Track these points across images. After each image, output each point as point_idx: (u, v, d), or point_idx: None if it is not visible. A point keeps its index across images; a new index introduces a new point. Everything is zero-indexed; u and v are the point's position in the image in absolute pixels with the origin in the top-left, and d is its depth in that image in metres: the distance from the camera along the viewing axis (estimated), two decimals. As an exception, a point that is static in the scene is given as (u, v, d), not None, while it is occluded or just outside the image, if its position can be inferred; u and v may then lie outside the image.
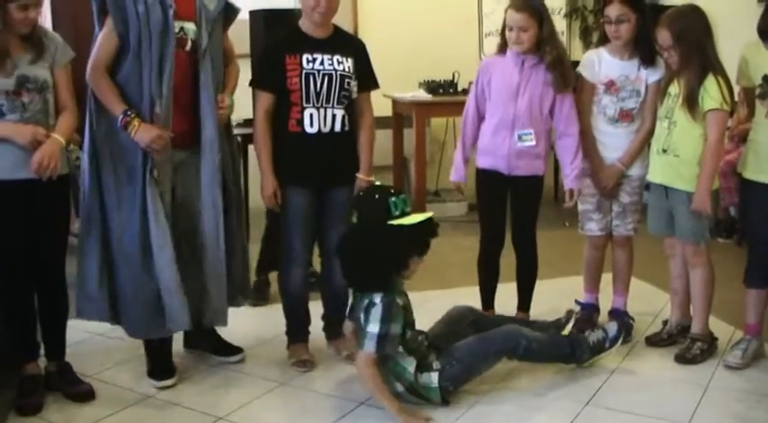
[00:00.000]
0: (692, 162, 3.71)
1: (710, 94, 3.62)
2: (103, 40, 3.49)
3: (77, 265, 3.62)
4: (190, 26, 3.57)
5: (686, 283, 4.00)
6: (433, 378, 3.43)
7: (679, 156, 3.74)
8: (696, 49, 3.65)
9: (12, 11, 3.27)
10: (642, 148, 4.02)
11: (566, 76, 3.91)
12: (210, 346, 3.98)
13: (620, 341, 3.80)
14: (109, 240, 3.57)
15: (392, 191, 3.52)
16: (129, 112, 3.44)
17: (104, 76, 3.48)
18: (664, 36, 3.71)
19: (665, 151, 3.79)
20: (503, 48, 4.01)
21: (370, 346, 3.34)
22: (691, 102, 3.65)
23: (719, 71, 3.65)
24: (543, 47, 3.88)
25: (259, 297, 4.65)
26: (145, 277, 3.51)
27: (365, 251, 3.42)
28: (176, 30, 3.51)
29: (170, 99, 3.49)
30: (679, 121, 3.72)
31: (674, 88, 3.77)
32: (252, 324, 4.22)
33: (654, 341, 4.08)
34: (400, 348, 3.40)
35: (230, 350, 3.97)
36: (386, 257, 3.40)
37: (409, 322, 3.47)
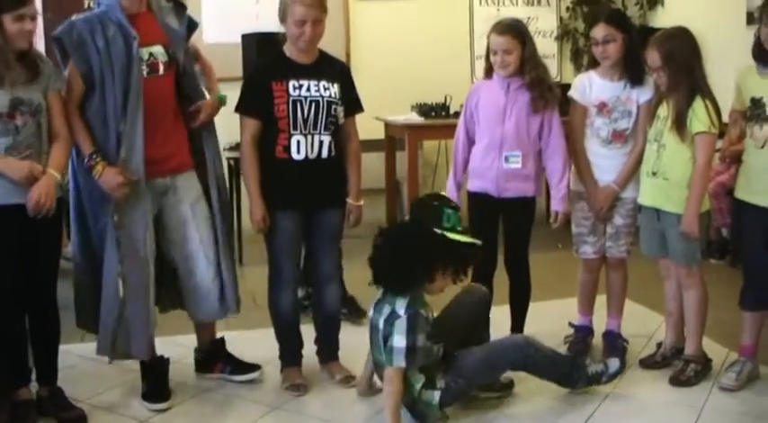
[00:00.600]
0: (682, 185, 3.72)
1: (698, 117, 3.64)
2: (70, 80, 3.53)
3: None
4: (158, 49, 3.62)
5: (681, 305, 4.00)
6: (435, 396, 3.44)
7: (668, 179, 3.76)
8: (685, 71, 3.68)
9: (6, 24, 3.28)
10: (636, 169, 4.03)
11: (545, 97, 3.91)
12: (226, 366, 3.98)
13: (617, 378, 3.80)
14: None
15: (452, 204, 3.59)
16: (93, 156, 3.49)
17: (75, 114, 3.52)
18: (653, 57, 3.73)
19: (654, 174, 3.81)
20: (489, 72, 4.04)
21: (399, 361, 3.32)
22: (679, 124, 3.67)
23: (707, 94, 3.67)
24: (524, 67, 3.89)
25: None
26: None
27: (402, 247, 3.41)
28: (145, 56, 3.56)
29: (138, 134, 3.50)
30: (668, 144, 3.74)
31: (663, 111, 3.79)
32: (248, 347, 4.19)
33: (648, 364, 4.08)
34: None
35: (247, 368, 3.98)
36: (418, 259, 3.38)
37: (431, 335, 3.45)
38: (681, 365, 3.92)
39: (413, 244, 3.40)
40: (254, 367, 3.98)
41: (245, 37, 5.72)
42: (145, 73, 3.54)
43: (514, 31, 3.91)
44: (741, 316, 3.83)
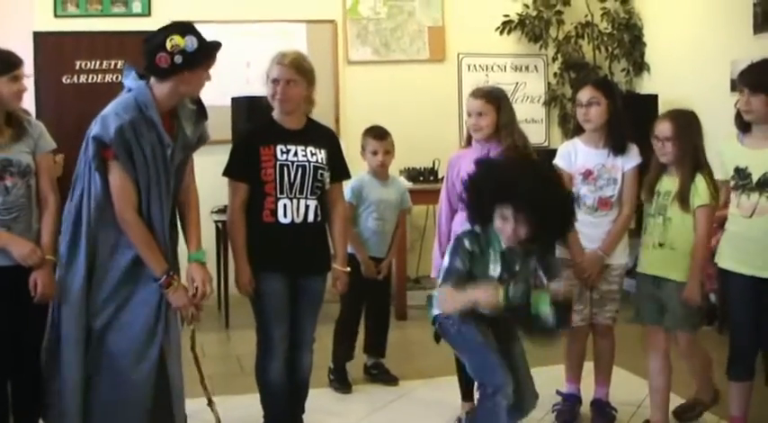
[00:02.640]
0: (687, 254, 3.79)
1: (699, 192, 3.75)
2: (123, 183, 3.26)
3: None
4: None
5: (669, 381, 3.92)
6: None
7: (675, 249, 3.83)
8: (692, 149, 3.77)
9: (2, 86, 3.31)
10: (622, 235, 4.06)
11: None
12: None
13: None
14: None
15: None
16: (171, 273, 3.34)
17: (139, 222, 3.29)
18: (664, 127, 3.82)
19: (661, 245, 3.87)
20: (469, 139, 4.07)
21: (439, 276, 3.44)
22: (683, 199, 3.76)
23: (707, 169, 3.79)
24: (500, 134, 3.92)
25: (341, 386, 4.77)
26: None
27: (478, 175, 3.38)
28: None
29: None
30: (674, 218, 3.83)
31: (663, 186, 3.87)
32: (234, 413, 4.13)
33: None
34: None
35: None
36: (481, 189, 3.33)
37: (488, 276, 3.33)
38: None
39: (485, 173, 3.36)
40: None
41: (236, 100, 5.77)
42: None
43: (489, 95, 3.96)
44: (729, 387, 3.80)
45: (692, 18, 6.92)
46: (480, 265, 3.32)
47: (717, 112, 3.94)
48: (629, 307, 4.15)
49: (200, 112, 3.54)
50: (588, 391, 4.28)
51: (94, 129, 3.26)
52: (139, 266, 3.33)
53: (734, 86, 6.23)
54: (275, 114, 3.81)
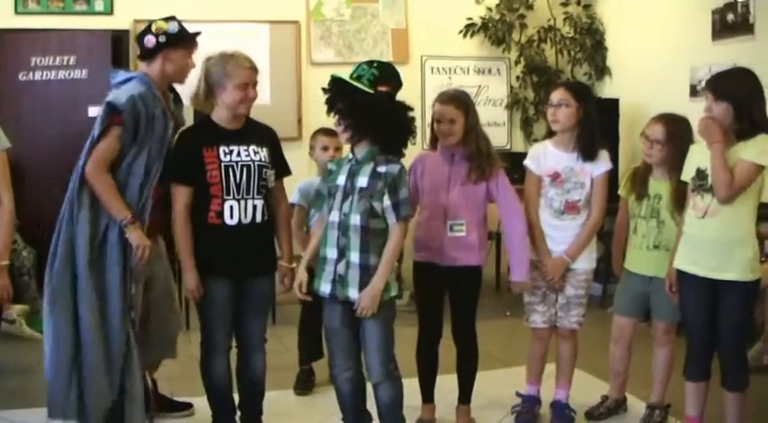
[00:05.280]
0: None
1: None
2: (109, 145, 3.69)
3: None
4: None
5: (628, 366, 4.22)
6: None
7: (671, 250, 3.90)
8: (682, 155, 3.83)
9: None
10: (588, 240, 4.09)
11: (482, 167, 3.93)
12: None
13: None
14: None
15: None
16: (132, 218, 3.65)
17: (106, 176, 3.68)
18: (656, 130, 3.95)
19: (656, 247, 4.01)
20: (434, 141, 4.07)
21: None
22: (679, 204, 3.87)
23: None
24: (467, 138, 3.93)
25: (304, 387, 4.76)
26: None
27: None
28: None
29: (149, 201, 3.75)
30: (667, 220, 3.97)
31: (653, 189, 4.00)
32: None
33: (595, 415, 4.24)
34: None
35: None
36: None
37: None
38: (647, 412, 4.16)
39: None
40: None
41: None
42: None
43: (458, 100, 3.96)
44: (686, 387, 3.84)
45: (652, 24, 7.00)
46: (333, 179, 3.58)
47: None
48: (589, 310, 4.18)
49: (176, 97, 3.98)
50: (549, 392, 4.30)
51: (109, 96, 3.72)
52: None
53: (693, 92, 6.34)
54: (216, 116, 3.77)
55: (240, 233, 3.69)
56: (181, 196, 3.70)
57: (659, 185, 4.00)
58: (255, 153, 3.73)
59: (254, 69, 3.75)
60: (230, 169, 3.67)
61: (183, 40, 3.82)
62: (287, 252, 3.90)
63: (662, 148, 3.92)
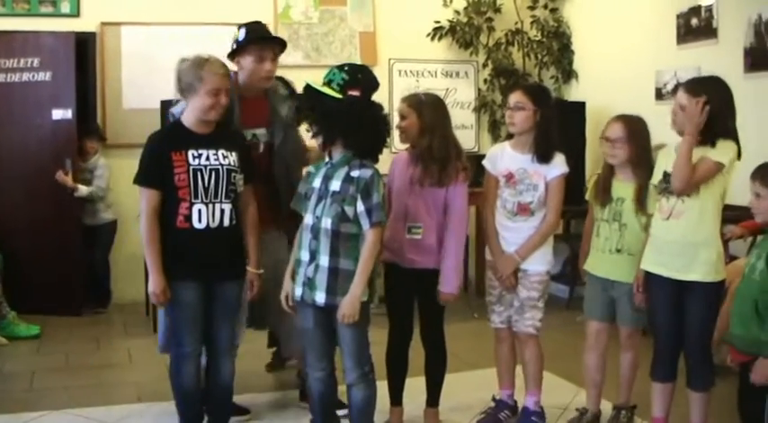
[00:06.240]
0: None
1: (652, 194, 3.88)
2: None
3: None
4: (261, 131, 4.19)
5: (604, 376, 4.15)
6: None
7: (634, 255, 3.93)
8: (644, 152, 3.91)
9: None
10: (541, 242, 4.06)
11: (431, 173, 3.92)
12: None
13: None
14: None
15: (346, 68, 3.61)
16: None
17: None
18: (616, 128, 3.96)
19: (618, 251, 3.99)
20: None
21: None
22: (641, 202, 3.91)
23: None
24: (420, 139, 3.94)
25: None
26: None
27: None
28: (249, 136, 4.11)
29: None
30: (629, 223, 3.96)
31: (616, 192, 3.99)
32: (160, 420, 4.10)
33: None
34: None
35: None
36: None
37: None
38: (614, 413, 4.18)
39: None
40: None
41: (165, 103, 5.69)
42: None
43: (412, 99, 3.99)
44: (652, 388, 3.87)
45: (619, 28, 7.06)
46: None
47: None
48: (556, 312, 4.19)
49: (291, 93, 4.29)
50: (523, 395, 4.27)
51: None
52: None
53: (659, 95, 6.40)
54: (186, 120, 3.75)
55: (208, 237, 3.67)
56: (148, 199, 3.67)
57: (622, 188, 3.99)
58: (224, 157, 3.72)
59: (227, 76, 3.75)
60: (199, 173, 3.65)
61: (245, 45, 4.11)
62: (254, 257, 3.89)
63: (623, 146, 3.92)
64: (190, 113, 3.73)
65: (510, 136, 4.18)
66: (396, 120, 4.04)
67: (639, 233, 3.93)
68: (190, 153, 3.66)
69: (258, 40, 4.16)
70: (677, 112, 3.61)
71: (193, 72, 3.68)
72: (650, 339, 3.94)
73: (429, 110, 3.97)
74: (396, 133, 4.03)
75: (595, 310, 4.13)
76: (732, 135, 3.58)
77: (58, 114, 6.60)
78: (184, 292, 3.69)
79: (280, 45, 4.25)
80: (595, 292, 4.13)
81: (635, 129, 3.97)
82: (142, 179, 3.71)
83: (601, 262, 4.07)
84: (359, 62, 7.15)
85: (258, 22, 4.29)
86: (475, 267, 7.12)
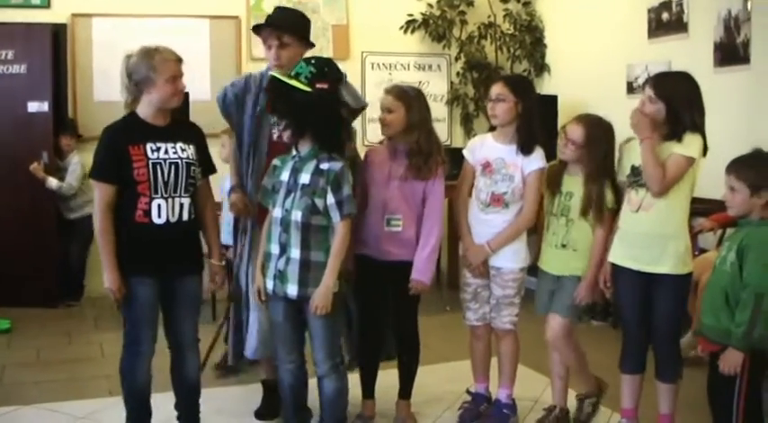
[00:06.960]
0: (586, 255, 3.93)
1: (608, 198, 3.88)
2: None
3: None
4: None
5: (568, 370, 4.15)
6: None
7: (577, 250, 3.95)
8: (603, 158, 3.88)
9: None
10: (514, 235, 4.03)
11: (417, 167, 3.92)
12: None
13: None
14: None
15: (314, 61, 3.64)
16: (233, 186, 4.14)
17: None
18: (575, 131, 3.90)
19: (564, 246, 3.98)
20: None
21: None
22: (589, 207, 3.88)
23: (614, 176, 3.90)
24: (407, 133, 3.94)
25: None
26: None
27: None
28: (273, 124, 3.95)
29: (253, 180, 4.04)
30: (576, 220, 3.94)
31: (566, 186, 3.97)
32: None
33: None
34: None
35: None
36: None
37: None
38: (578, 404, 4.20)
39: None
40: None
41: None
42: (275, 137, 3.96)
43: (400, 92, 3.97)
44: (621, 379, 3.90)
45: (590, 22, 7.10)
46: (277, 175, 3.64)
47: (613, 113, 4.02)
48: (530, 305, 4.20)
49: None
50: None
51: None
52: None
53: (630, 89, 6.45)
54: (142, 111, 3.67)
55: (168, 232, 3.63)
56: (103, 194, 3.60)
57: (572, 182, 3.96)
58: (183, 150, 3.67)
59: (180, 61, 3.68)
60: (158, 167, 3.59)
61: (256, 30, 4.21)
62: (215, 249, 3.88)
63: (576, 150, 3.89)
64: (146, 106, 3.65)
65: (491, 128, 4.17)
66: (371, 113, 4.01)
67: (586, 229, 3.93)
68: (148, 146, 3.60)
69: (254, 28, 4.20)
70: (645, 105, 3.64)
71: (146, 64, 3.59)
72: (619, 332, 3.97)
73: (417, 104, 3.97)
74: (371, 126, 4.01)
75: (540, 304, 4.12)
76: (699, 130, 3.60)
77: (33, 107, 6.57)
78: (141, 288, 3.63)
79: (277, 30, 4.12)
80: (543, 288, 4.11)
81: (594, 136, 3.89)
82: (96, 173, 3.64)
83: (548, 257, 4.06)
84: (331, 55, 7.15)
85: (276, 8, 4.50)
86: (447, 260, 7.14)
